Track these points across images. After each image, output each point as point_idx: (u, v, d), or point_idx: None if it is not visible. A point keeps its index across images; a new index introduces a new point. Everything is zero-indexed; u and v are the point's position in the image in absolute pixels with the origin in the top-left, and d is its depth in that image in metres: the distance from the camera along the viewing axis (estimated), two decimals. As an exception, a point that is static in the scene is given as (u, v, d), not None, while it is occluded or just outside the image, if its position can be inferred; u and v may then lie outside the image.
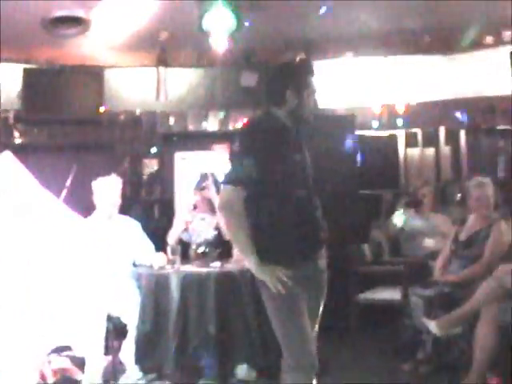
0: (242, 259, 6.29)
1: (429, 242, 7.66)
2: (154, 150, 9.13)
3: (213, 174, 6.76)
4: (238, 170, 3.72)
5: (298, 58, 4.35)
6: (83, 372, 5.93)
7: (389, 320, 6.84)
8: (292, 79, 3.92)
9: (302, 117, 3.93)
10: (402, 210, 8.13)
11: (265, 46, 8.59)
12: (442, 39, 8.88)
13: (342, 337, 7.35)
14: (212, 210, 6.59)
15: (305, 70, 4.01)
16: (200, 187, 6.69)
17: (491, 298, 5.45)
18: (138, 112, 9.18)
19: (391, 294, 7.15)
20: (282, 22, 7.78)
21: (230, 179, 3.75)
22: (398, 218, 8.04)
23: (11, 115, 8.68)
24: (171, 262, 6.11)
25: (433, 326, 5.67)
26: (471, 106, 9.49)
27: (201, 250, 6.24)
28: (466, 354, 5.64)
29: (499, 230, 6.13)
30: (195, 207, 6.73)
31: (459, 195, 8.21)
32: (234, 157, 3.81)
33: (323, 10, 7.30)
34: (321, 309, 4.00)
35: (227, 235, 3.94)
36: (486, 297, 5.47)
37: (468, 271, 6.07)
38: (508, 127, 9.41)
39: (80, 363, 6.01)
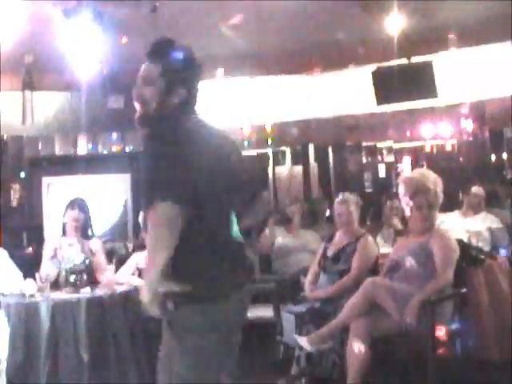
0: (112, 283, 6.30)
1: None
2: (22, 174, 8.96)
3: (81, 200, 6.72)
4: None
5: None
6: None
7: (262, 337, 6.90)
8: None
9: None
10: (273, 226, 8.23)
11: (131, 67, 8.56)
12: (308, 59, 9.08)
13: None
14: (80, 235, 6.55)
15: None
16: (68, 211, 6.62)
17: (359, 311, 5.57)
18: (4, 137, 8.99)
19: (264, 312, 7.21)
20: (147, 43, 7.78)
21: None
22: (270, 233, 8.15)
23: None
24: (41, 290, 6.00)
25: (304, 342, 5.75)
26: (337, 123, 9.74)
27: (70, 277, 6.15)
28: (338, 367, 5.74)
29: (365, 244, 6.30)
30: (64, 232, 6.64)
31: (328, 212, 8.41)
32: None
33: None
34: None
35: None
36: (353, 310, 5.59)
37: (336, 286, 6.20)
38: (372, 143, 9.75)
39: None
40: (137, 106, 3.44)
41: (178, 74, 3.38)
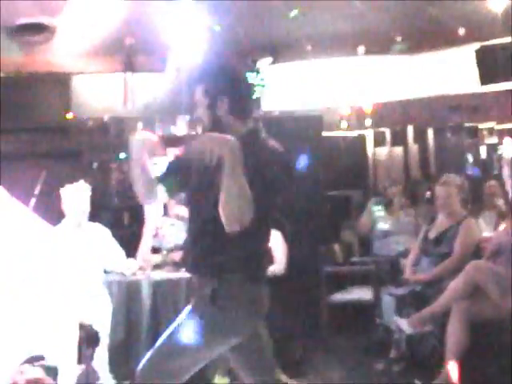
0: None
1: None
2: (122, 155, 9.08)
3: None
4: None
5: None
6: (56, 381, 5.89)
7: (360, 320, 6.87)
8: None
9: None
10: (373, 208, 8.16)
11: (232, 49, 8.58)
12: (408, 38, 8.91)
13: (313, 338, 7.35)
14: (182, 215, 6.58)
15: None
16: None
17: (461, 294, 5.49)
18: (105, 118, 9.13)
19: (362, 294, 7.17)
20: (247, 27, 7.78)
21: None
22: (370, 215, 8.08)
23: (-22, 124, 8.59)
24: (142, 269, 6.09)
25: (404, 324, 5.70)
26: (438, 104, 9.55)
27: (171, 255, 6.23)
28: (438, 352, 5.67)
29: (468, 227, 6.17)
30: (166, 212, 6.70)
31: (428, 194, 8.27)
32: None
33: (294, 13, 7.30)
34: None
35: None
36: (456, 294, 5.51)
37: (438, 269, 6.10)
38: (474, 124, 9.53)
39: (53, 373, 5.97)
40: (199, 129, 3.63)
41: (219, 90, 3.49)
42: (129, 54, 8.60)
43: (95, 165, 9.10)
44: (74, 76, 9.04)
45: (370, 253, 7.97)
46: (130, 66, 8.76)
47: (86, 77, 9.14)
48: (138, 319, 5.80)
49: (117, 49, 8.33)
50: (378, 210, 8.07)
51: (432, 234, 6.34)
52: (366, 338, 6.74)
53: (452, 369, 5.32)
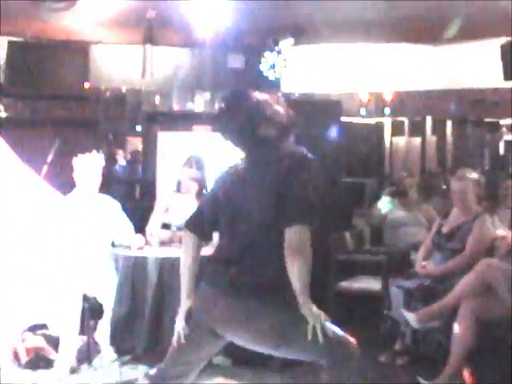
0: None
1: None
2: (138, 128, 9.04)
3: (199, 158, 6.67)
4: None
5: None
6: (57, 351, 5.87)
7: (368, 310, 6.80)
8: None
9: None
10: (387, 198, 8.09)
11: (253, 29, 8.50)
12: (433, 28, 8.81)
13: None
14: (195, 193, 6.49)
15: None
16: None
17: (471, 292, 5.41)
18: (123, 90, 9.07)
19: (371, 284, 7.10)
20: (270, 6, 7.69)
21: None
22: (384, 205, 8.00)
23: (-6, 88, 8.57)
24: (149, 244, 6.04)
25: (412, 318, 5.63)
26: (460, 97, 9.46)
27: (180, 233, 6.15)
28: (443, 348, 5.60)
29: (482, 224, 6.06)
30: (178, 189, 6.62)
31: (444, 187, 8.19)
32: None
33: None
34: None
35: None
36: (466, 291, 5.43)
37: (449, 264, 6.01)
38: (495, 120, 9.44)
39: (54, 342, 5.96)
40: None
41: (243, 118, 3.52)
42: (150, 26, 8.53)
43: (110, 136, 9.05)
44: (93, 45, 9.00)
45: (382, 243, 7.90)
46: (150, 39, 8.70)
47: (106, 47, 9.09)
48: (142, 295, 5.76)
49: (138, 20, 8.28)
50: (393, 201, 7.99)
51: (445, 229, 6.23)
52: (373, 328, 6.67)
53: (456, 367, 5.26)
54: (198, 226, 3.71)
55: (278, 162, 3.42)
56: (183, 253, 3.74)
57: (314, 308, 3.37)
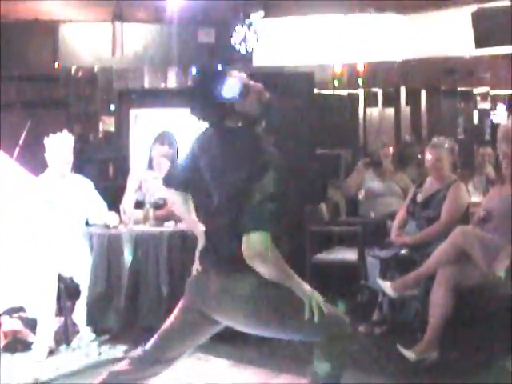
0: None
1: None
2: (112, 107, 8.97)
3: (170, 134, 6.61)
4: None
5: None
6: (35, 334, 5.84)
7: (345, 281, 6.81)
8: None
9: None
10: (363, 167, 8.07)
11: (223, 2, 8.42)
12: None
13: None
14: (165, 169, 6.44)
15: None
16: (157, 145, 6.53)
17: (447, 260, 5.42)
18: (94, 68, 8.99)
19: (348, 255, 7.11)
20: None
21: None
22: (359, 175, 7.98)
23: (-39, 70, 8.44)
24: (124, 222, 6.00)
25: (388, 287, 5.63)
26: (432, 66, 9.43)
27: (153, 210, 6.12)
28: (421, 316, 5.62)
29: (456, 192, 6.06)
30: (150, 166, 6.57)
31: (419, 156, 8.18)
32: None
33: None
34: None
35: None
36: (441, 259, 5.44)
37: (424, 233, 6.02)
38: (469, 89, 9.43)
39: (32, 325, 5.92)
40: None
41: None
42: (118, 3, 8.45)
43: (82, 115, 8.97)
44: (62, 24, 8.89)
45: (357, 214, 7.90)
46: (119, 16, 8.60)
47: (75, 25, 8.98)
48: (117, 273, 5.73)
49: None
50: (368, 171, 7.98)
51: (420, 197, 6.23)
52: (350, 299, 6.68)
53: (434, 334, 5.28)
54: (181, 182, 3.66)
55: (245, 151, 3.34)
56: (179, 208, 3.82)
57: (307, 287, 3.33)
